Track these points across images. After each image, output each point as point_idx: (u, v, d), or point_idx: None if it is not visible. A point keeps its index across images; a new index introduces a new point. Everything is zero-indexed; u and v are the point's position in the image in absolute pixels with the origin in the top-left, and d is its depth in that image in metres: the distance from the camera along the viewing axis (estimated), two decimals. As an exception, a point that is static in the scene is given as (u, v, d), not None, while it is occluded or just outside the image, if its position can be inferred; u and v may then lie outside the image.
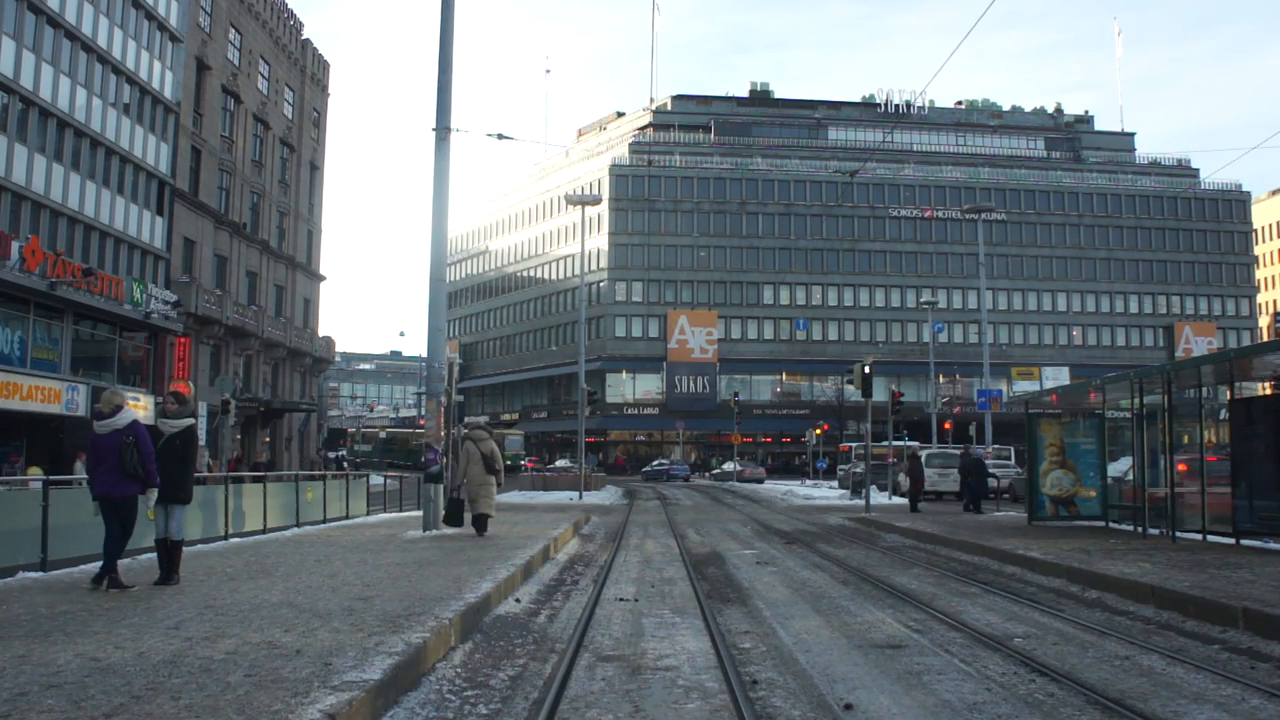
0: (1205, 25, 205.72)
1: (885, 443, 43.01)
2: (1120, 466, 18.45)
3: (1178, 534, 14.46)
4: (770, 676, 6.37)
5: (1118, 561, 11.54)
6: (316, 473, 28.43)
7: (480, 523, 15.37)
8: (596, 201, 47.57)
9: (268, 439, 46.27)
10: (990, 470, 28.07)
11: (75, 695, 4.72)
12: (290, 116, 50.10)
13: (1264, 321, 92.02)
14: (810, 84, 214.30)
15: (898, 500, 31.28)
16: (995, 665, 6.69)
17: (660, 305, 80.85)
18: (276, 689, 4.84)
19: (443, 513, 15.93)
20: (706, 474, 70.67)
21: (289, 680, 5.03)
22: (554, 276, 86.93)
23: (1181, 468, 14.77)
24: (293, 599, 8.04)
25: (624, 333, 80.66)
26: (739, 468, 61.81)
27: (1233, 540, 13.38)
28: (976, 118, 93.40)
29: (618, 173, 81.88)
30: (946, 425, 62.41)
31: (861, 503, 28.06)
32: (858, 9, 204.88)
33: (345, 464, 58.74)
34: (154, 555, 9.32)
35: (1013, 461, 40.20)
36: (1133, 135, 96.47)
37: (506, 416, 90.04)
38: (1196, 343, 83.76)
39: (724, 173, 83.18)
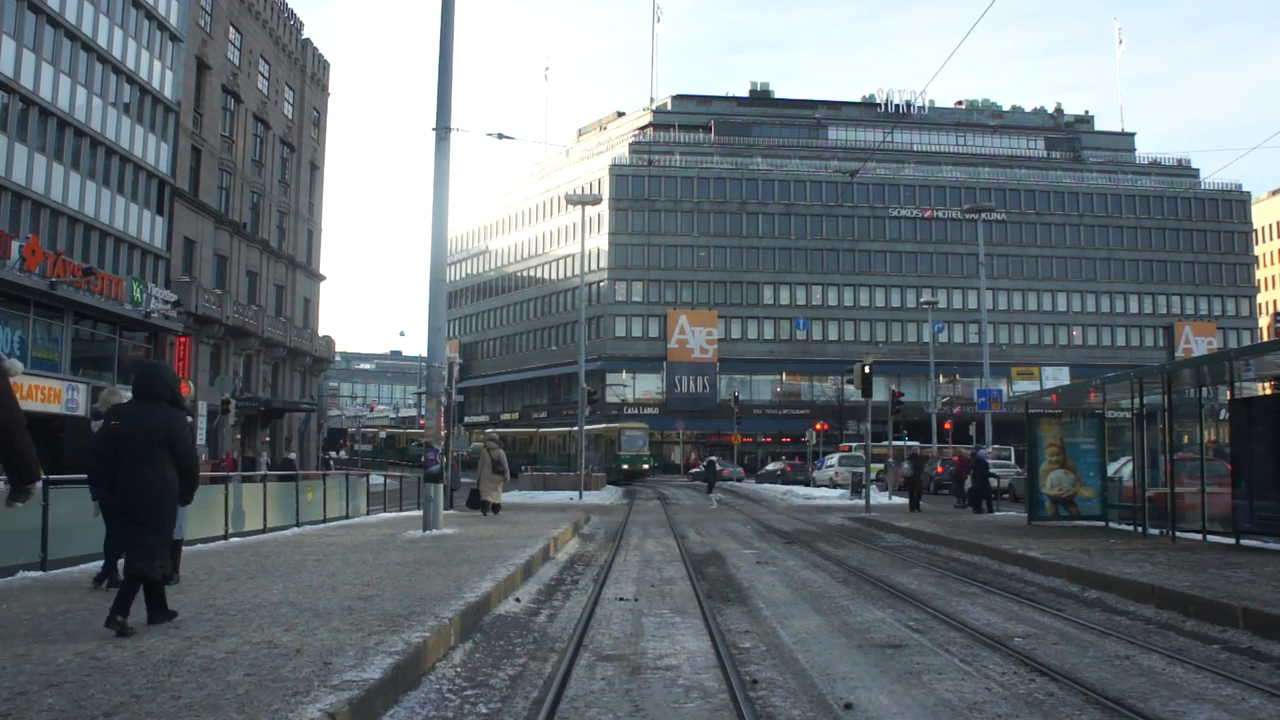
0: (1205, 25, 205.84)
1: (885, 442, 43.12)
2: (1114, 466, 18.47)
3: (1177, 534, 14.46)
4: (770, 676, 6.36)
5: (1118, 561, 11.54)
6: (314, 472, 28.61)
7: (489, 508, 21.13)
8: (596, 201, 47.55)
9: (268, 439, 46.29)
10: (991, 470, 28.10)
11: (75, 694, 4.72)
12: (290, 116, 50.10)
13: (1264, 321, 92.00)
14: (810, 84, 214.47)
15: (898, 500, 31.30)
16: (995, 665, 6.69)
17: (660, 305, 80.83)
18: (276, 688, 4.84)
19: (443, 513, 16.86)
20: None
21: (289, 679, 5.03)
22: (554, 276, 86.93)
23: (1167, 468, 14.77)
24: (292, 598, 8.04)
25: (624, 333, 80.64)
26: (719, 467, 63.58)
27: (1233, 540, 13.37)
28: (976, 118, 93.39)
29: (618, 173, 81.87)
30: (946, 425, 62.39)
31: (861, 502, 28.07)
32: (857, 9, 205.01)
33: (332, 464, 58.16)
34: None
35: (1013, 461, 40.26)
36: (1133, 135, 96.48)
37: (506, 416, 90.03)
38: (1196, 343, 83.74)
39: (724, 173, 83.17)
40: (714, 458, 44.15)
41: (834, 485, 43.13)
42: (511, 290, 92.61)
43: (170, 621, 6.73)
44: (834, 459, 48.45)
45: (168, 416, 6.60)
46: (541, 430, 68.08)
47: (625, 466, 53.33)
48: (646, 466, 56.47)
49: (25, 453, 4.21)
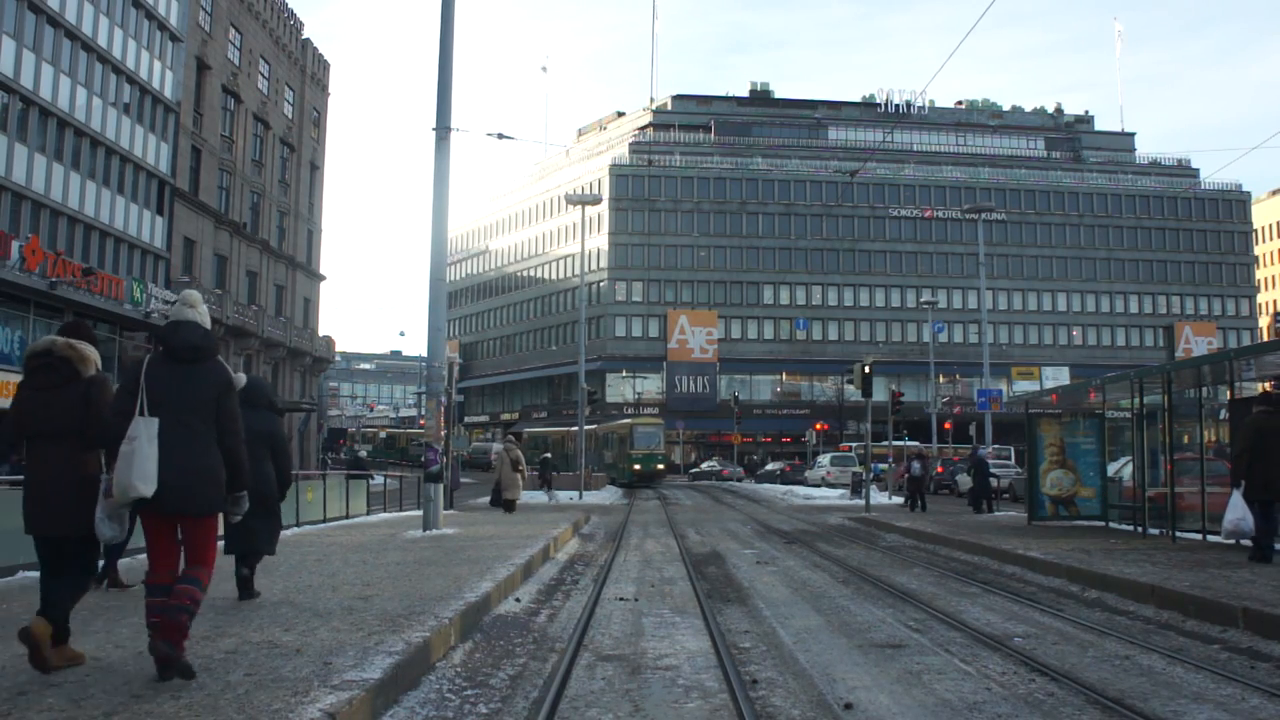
0: (1204, 25, 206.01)
1: (885, 442, 43.15)
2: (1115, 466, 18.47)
3: (1177, 534, 14.45)
4: (770, 676, 6.36)
5: (1118, 561, 11.54)
6: (371, 473, 29.34)
7: (508, 505, 22.64)
8: (596, 201, 47.54)
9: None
10: (991, 470, 28.10)
11: (75, 694, 4.72)
12: (290, 116, 50.10)
13: (1264, 321, 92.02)
14: (810, 84, 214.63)
15: (898, 500, 31.29)
16: (995, 665, 6.69)
17: (660, 305, 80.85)
18: (276, 688, 4.83)
19: (443, 513, 17.02)
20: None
21: (289, 679, 5.03)
22: (554, 276, 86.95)
23: (1167, 468, 14.76)
24: (292, 598, 8.03)
25: (624, 333, 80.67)
26: (719, 467, 64.28)
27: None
28: (976, 118, 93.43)
29: (618, 172, 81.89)
30: (946, 425, 62.40)
31: (861, 502, 28.08)
32: (856, 8, 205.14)
33: (329, 463, 56.32)
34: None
35: (1013, 461, 40.27)
36: (1133, 135, 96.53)
37: (506, 416, 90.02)
38: (1196, 343, 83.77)
39: (724, 173, 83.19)
40: (548, 454, 40.08)
41: (825, 485, 43.51)
42: (511, 290, 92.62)
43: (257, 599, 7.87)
44: (825, 459, 48.77)
45: (268, 420, 7.78)
46: (572, 429, 66.69)
47: (637, 466, 49.41)
48: (661, 467, 51.29)
49: (245, 464, 5.34)
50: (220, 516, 5.35)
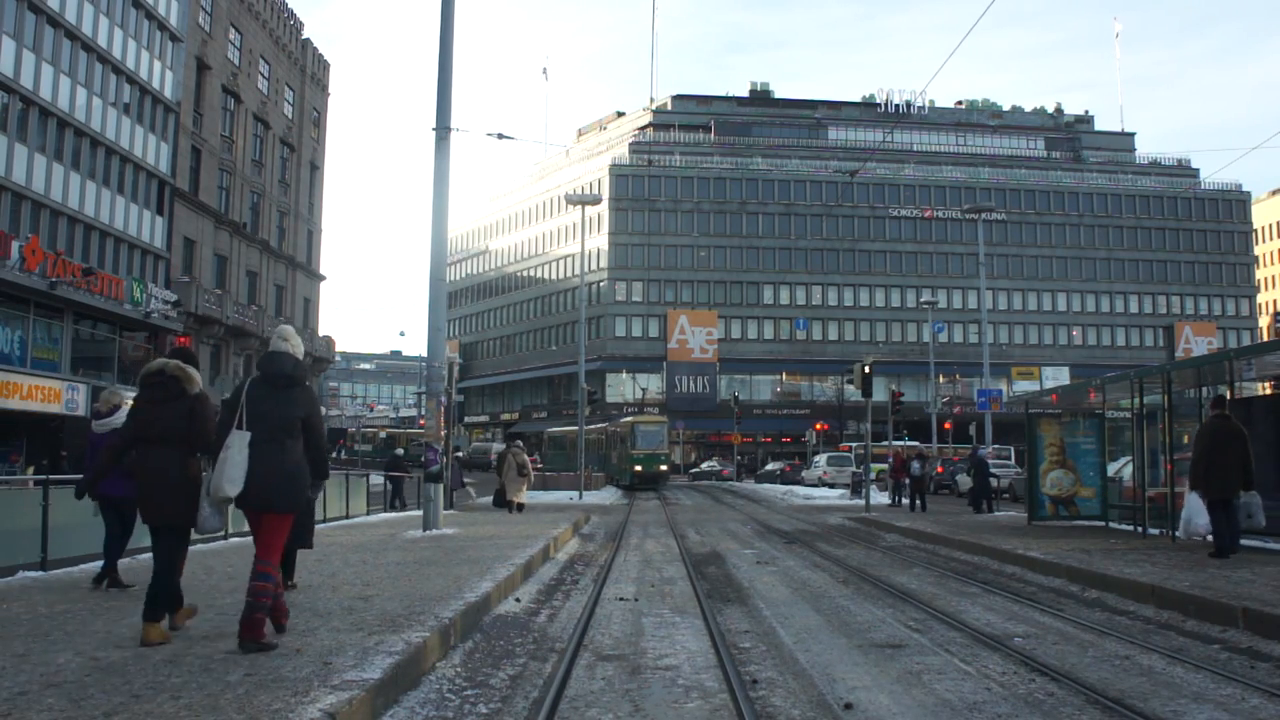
0: (1204, 24, 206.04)
1: (885, 442, 43.17)
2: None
3: (1177, 534, 14.44)
4: (770, 676, 6.36)
5: (1118, 561, 11.54)
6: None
7: (513, 506, 22.80)
8: (596, 201, 47.48)
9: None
10: (991, 470, 28.09)
11: (75, 694, 4.72)
12: (290, 116, 50.11)
13: (1264, 321, 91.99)
14: (809, 84, 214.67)
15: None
16: (995, 665, 6.69)
17: (660, 305, 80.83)
18: (277, 688, 4.83)
19: (443, 513, 17.14)
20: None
21: (289, 679, 5.03)
22: (554, 276, 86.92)
23: (1168, 468, 14.77)
24: (292, 598, 8.02)
25: (624, 333, 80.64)
26: (719, 467, 64.44)
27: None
28: (976, 118, 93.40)
29: (618, 172, 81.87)
30: (946, 425, 62.40)
31: (861, 502, 28.08)
32: (855, 8, 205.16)
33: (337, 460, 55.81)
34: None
35: (1013, 461, 40.28)
36: (1133, 135, 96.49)
37: (506, 416, 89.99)
38: (1196, 343, 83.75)
39: (724, 173, 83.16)
40: (459, 452, 36.10)
41: (822, 484, 43.60)
42: (511, 290, 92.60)
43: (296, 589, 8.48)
44: (822, 459, 48.80)
45: None
46: (591, 429, 65.00)
47: (638, 467, 46.89)
48: (664, 467, 48.23)
49: (327, 462, 6.47)
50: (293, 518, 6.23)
